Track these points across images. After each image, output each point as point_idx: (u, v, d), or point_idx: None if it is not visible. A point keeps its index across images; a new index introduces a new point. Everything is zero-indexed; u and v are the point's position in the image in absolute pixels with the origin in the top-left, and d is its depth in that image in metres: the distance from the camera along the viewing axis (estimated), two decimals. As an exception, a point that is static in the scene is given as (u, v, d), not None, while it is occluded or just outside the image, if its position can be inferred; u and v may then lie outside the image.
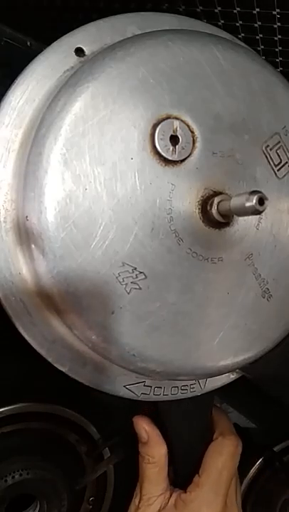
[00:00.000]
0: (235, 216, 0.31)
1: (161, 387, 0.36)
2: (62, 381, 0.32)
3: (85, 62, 0.30)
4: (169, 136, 0.29)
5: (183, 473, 0.40)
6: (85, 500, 0.45)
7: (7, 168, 0.30)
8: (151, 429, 0.39)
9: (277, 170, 0.33)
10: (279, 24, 0.39)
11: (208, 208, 0.30)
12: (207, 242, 0.31)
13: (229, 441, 0.40)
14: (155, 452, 0.38)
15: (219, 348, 0.32)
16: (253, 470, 0.53)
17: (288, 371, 0.38)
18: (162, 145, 0.29)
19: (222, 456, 0.39)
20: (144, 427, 0.39)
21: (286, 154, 0.33)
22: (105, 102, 0.28)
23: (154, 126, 0.29)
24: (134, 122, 0.28)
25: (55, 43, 0.31)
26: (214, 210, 0.30)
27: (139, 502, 0.39)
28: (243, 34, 0.42)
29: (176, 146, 0.29)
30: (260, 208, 0.26)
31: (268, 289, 0.33)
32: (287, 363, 0.37)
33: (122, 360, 0.30)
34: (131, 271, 0.28)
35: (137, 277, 0.28)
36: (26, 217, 0.28)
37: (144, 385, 0.35)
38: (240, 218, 0.32)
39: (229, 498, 0.39)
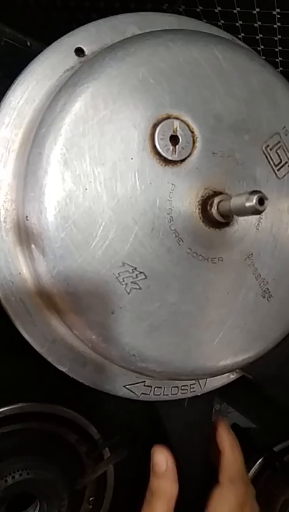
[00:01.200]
0: (235, 216, 0.31)
1: (161, 387, 0.36)
2: (62, 381, 0.32)
3: (85, 62, 0.30)
4: (169, 136, 0.29)
5: (184, 473, 0.39)
6: (85, 500, 0.45)
7: (7, 168, 0.30)
8: (172, 462, 0.35)
9: (277, 170, 0.33)
10: (279, 24, 0.39)
11: (208, 207, 0.30)
12: (207, 242, 0.31)
13: (239, 489, 0.36)
14: (171, 488, 0.35)
15: (219, 348, 0.32)
16: (253, 470, 0.52)
17: (288, 371, 0.38)
18: (162, 145, 0.29)
19: (228, 505, 0.35)
20: (168, 457, 0.35)
21: (286, 154, 0.33)
22: (105, 102, 0.28)
23: (154, 126, 0.29)
24: (134, 122, 0.28)
25: (55, 42, 0.31)
26: (214, 210, 0.30)
27: None
28: (243, 34, 0.42)
29: (176, 146, 0.29)
30: (260, 208, 0.26)
31: (268, 289, 0.33)
32: (287, 363, 0.37)
33: (122, 360, 0.30)
34: (131, 271, 0.28)
35: (137, 277, 0.28)
36: (26, 217, 0.28)
37: (144, 385, 0.35)
38: (240, 218, 0.32)
39: None
